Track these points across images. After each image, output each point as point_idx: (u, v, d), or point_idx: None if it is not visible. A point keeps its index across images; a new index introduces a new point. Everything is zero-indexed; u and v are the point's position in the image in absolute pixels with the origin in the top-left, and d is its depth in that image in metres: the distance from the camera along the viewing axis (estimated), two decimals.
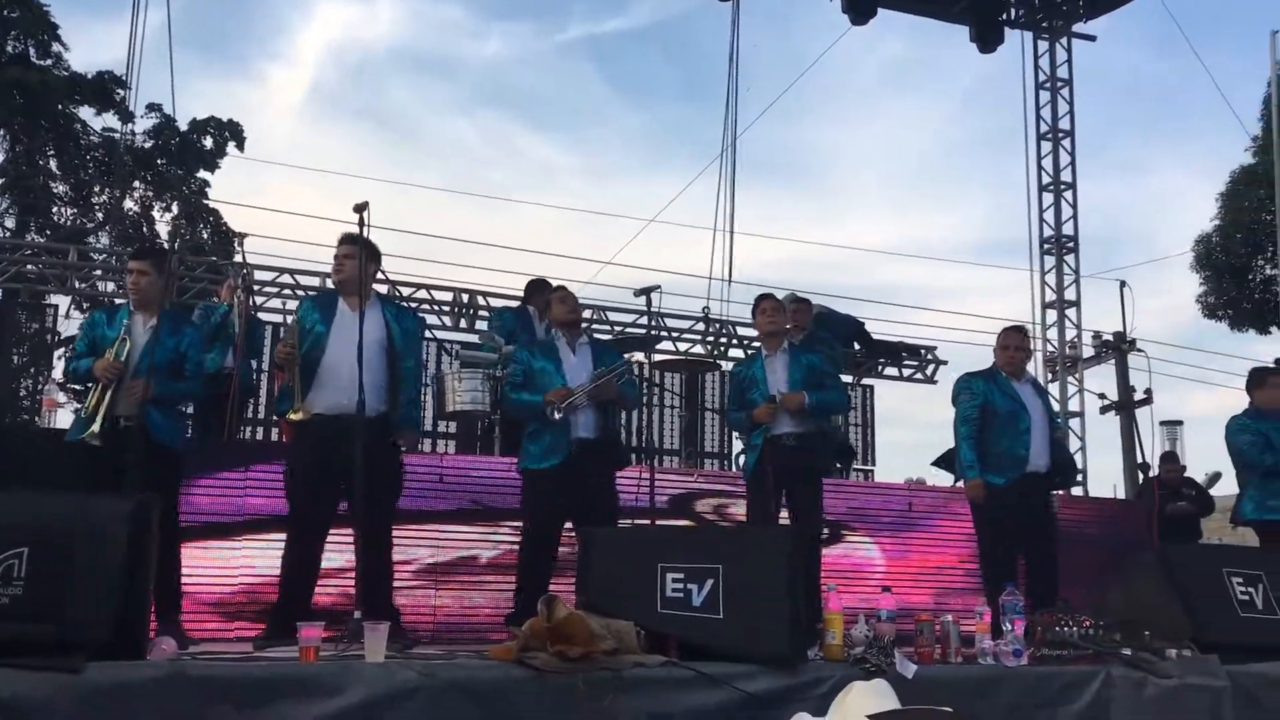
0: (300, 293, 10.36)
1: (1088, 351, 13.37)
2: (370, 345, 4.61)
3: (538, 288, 7.51)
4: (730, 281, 11.32)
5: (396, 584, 5.13)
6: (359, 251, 4.74)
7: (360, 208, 4.53)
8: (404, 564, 5.72)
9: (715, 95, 11.66)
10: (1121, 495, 12.91)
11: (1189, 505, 9.44)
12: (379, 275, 5.29)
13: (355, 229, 4.62)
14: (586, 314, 11.46)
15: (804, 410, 5.59)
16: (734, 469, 8.97)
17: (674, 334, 11.55)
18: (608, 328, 11.31)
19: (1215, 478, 12.76)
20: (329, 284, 9.92)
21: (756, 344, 11.24)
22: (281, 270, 10.43)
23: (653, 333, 10.09)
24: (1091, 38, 13.38)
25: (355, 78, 42.29)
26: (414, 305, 10.53)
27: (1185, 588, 4.50)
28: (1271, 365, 6.61)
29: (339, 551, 4.90)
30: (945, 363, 12.09)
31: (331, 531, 4.74)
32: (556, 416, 5.10)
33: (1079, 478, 12.31)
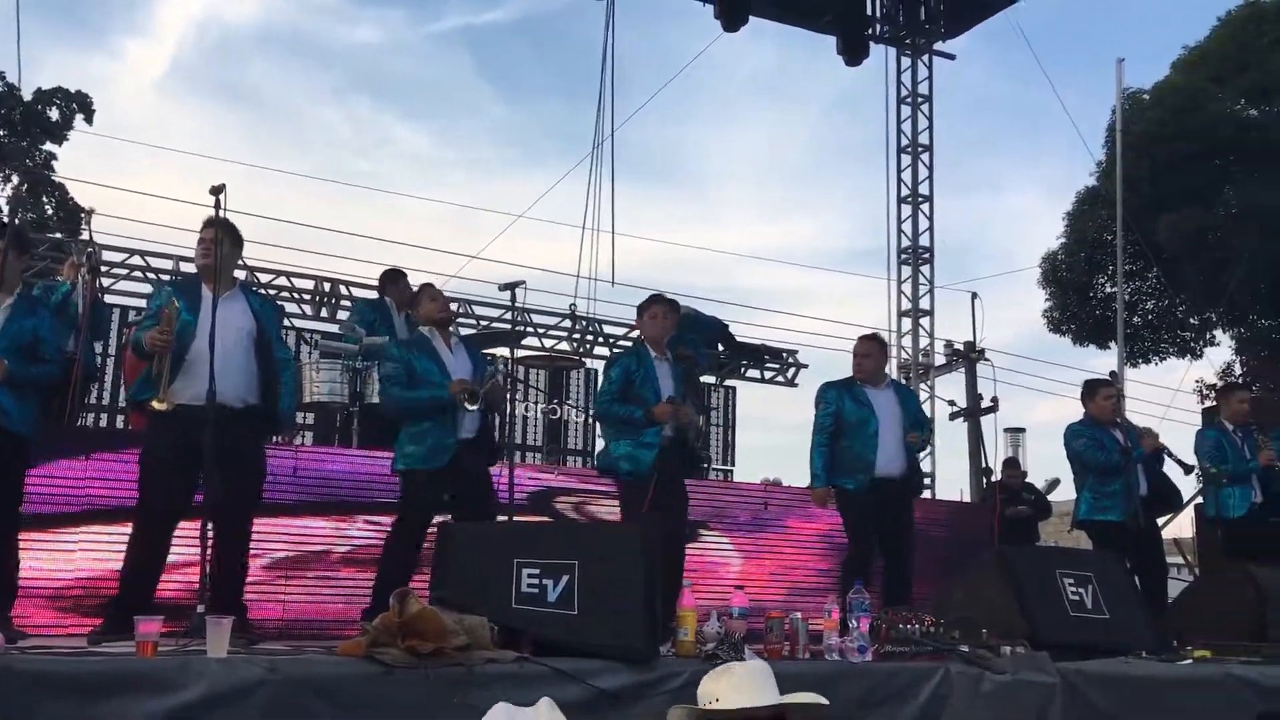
0: (151, 275, 9.99)
1: (940, 360, 13.87)
2: (238, 334, 4.49)
3: (392, 278, 7.39)
4: (601, 281, 11.34)
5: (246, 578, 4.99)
6: (219, 235, 4.58)
7: (217, 190, 4.39)
8: (253, 557, 5.53)
9: (589, 92, 11.73)
10: (968, 499, 13.41)
11: (1028, 509, 9.88)
12: (239, 261, 5.11)
13: (212, 212, 4.48)
14: (452, 308, 11.37)
15: (689, 423, 5.66)
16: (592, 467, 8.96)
17: (540, 330, 11.55)
18: (473, 322, 11.24)
19: (1054, 484, 13.37)
20: (183, 268, 9.67)
21: (624, 342, 11.45)
22: (131, 251, 10.04)
23: (518, 328, 10.07)
24: (951, 56, 13.88)
25: (219, 57, 40.92)
26: (273, 293, 10.27)
27: (1021, 588, 4.72)
28: (1105, 377, 6.97)
29: (184, 545, 4.73)
30: (806, 366, 12.41)
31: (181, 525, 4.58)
32: (471, 408, 5.03)
33: (926, 481, 12.77)
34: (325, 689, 3.19)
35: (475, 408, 5.06)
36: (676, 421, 5.50)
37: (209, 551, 4.26)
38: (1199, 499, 8.14)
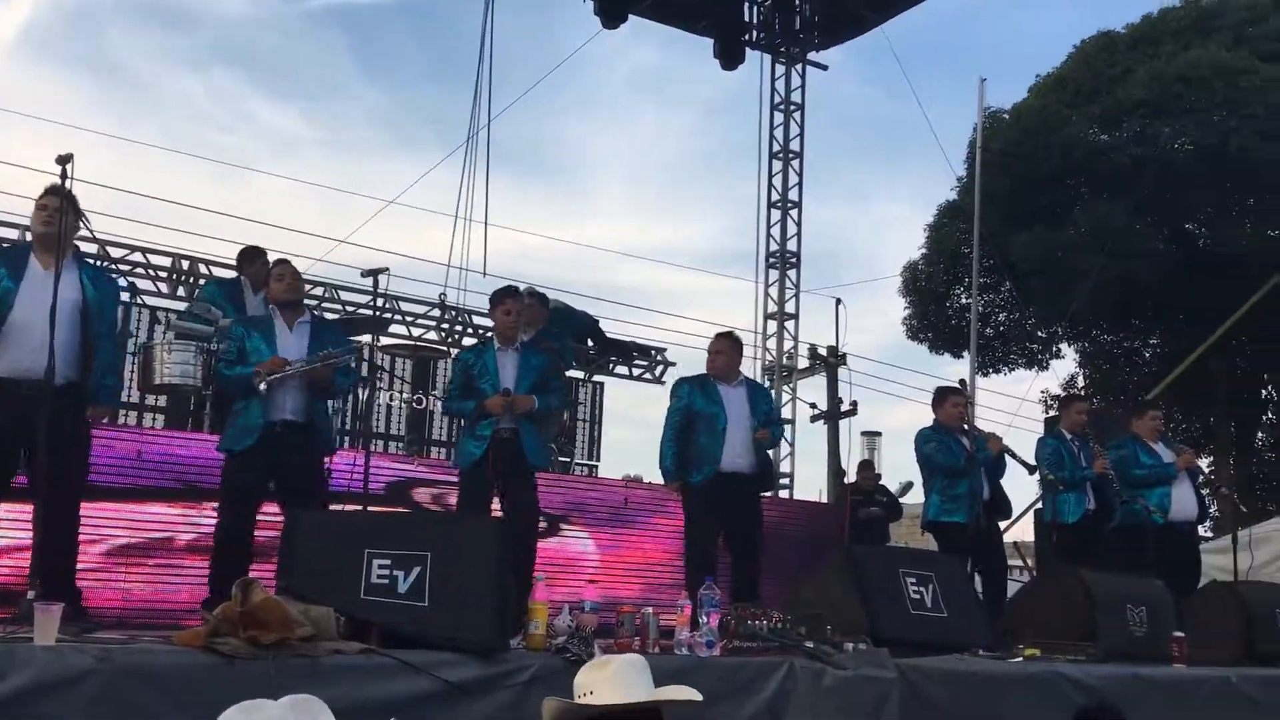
0: None
1: (803, 363, 14.17)
2: (63, 306, 4.28)
3: (250, 256, 7.18)
4: (473, 272, 11.23)
5: (83, 565, 4.81)
6: (63, 205, 4.40)
7: (63, 160, 4.19)
8: (92, 543, 5.34)
9: (465, 80, 11.58)
10: (825, 499, 13.76)
11: (880, 510, 10.20)
12: (85, 234, 4.91)
13: (58, 181, 4.28)
14: (317, 292, 11.14)
15: (530, 412, 5.65)
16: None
17: (408, 318, 11.37)
18: (339, 307, 11.01)
19: (908, 486, 13.80)
20: (27, 237, 9.22)
21: (492, 333, 11.34)
22: None
23: (383, 315, 9.90)
24: (824, 67, 14.17)
25: (75, 21, 39.07)
26: (127, 269, 9.87)
27: (865, 586, 4.88)
28: (955, 385, 7.24)
29: (14, 529, 4.53)
30: (674, 364, 12.50)
31: (6, 506, 4.37)
32: (262, 388, 4.90)
33: (783, 481, 13.06)
34: (159, 679, 3.10)
35: (262, 387, 4.90)
36: (513, 412, 5.50)
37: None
38: (1038, 504, 8.54)
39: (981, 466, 6.71)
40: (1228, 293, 15.29)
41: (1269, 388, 19.75)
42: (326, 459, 5.22)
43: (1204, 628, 5.87)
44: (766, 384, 13.67)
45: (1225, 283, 15.62)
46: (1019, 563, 11.11)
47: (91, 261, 5.94)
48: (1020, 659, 5.09)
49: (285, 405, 5.02)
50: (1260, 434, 20.03)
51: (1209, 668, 5.49)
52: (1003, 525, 7.42)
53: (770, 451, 6.31)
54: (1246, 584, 6.86)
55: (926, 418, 7.10)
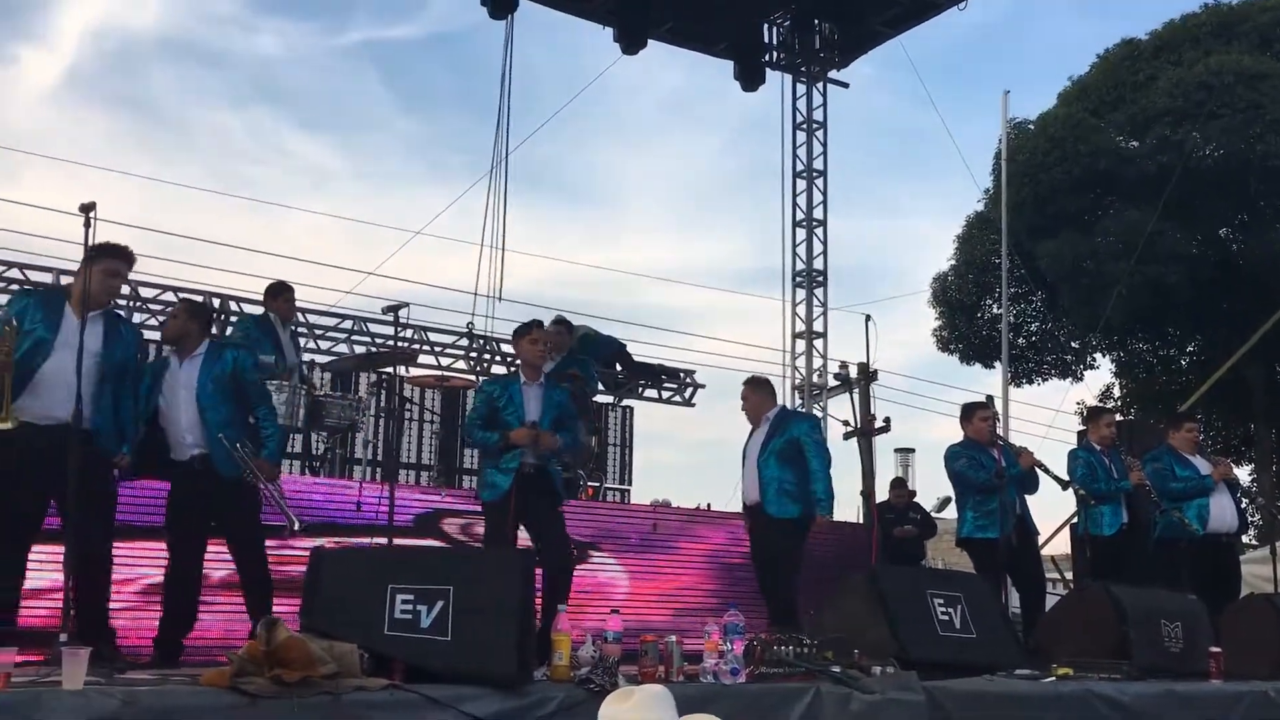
0: (29, 288, 9.69)
1: (833, 381, 14.11)
2: (91, 357, 4.42)
3: (275, 291, 7.28)
4: (495, 299, 11.31)
5: (117, 604, 4.88)
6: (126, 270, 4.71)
7: (87, 208, 4.29)
8: (126, 582, 5.42)
9: (492, 109, 11.65)
10: (860, 519, 13.65)
11: (915, 528, 10.13)
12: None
13: (81, 228, 4.37)
14: (346, 325, 11.26)
15: (555, 451, 5.72)
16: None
17: (435, 349, 11.45)
18: (367, 339, 11.11)
19: (945, 502, 13.70)
20: (64, 281, 9.38)
21: (516, 366, 11.40)
22: (9, 264, 9.70)
23: (412, 347, 9.97)
24: (845, 84, 14.17)
25: (116, 63, 39.83)
26: (159, 308, 10.01)
27: (891, 607, 4.84)
28: (983, 400, 7.20)
29: (48, 570, 4.61)
30: (704, 386, 12.51)
31: (43, 549, 4.46)
32: None
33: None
34: None
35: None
36: (537, 447, 5.54)
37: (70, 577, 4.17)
38: (1074, 519, 8.45)
39: (1014, 482, 6.67)
40: (1263, 299, 15.10)
41: None
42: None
43: (1243, 640, 5.78)
44: (798, 403, 13.65)
45: (1260, 289, 15.44)
46: (1057, 576, 10.98)
47: (118, 312, 6.04)
48: (1053, 678, 5.03)
49: (180, 440, 5.01)
50: None
51: (1247, 682, 5.40)
52: (1040, 539, 7.37)
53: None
54: None
55: (960, 433, 7.07)
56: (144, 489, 5.53)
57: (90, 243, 4.38)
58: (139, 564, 5.60)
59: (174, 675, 4.07)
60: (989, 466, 6.74)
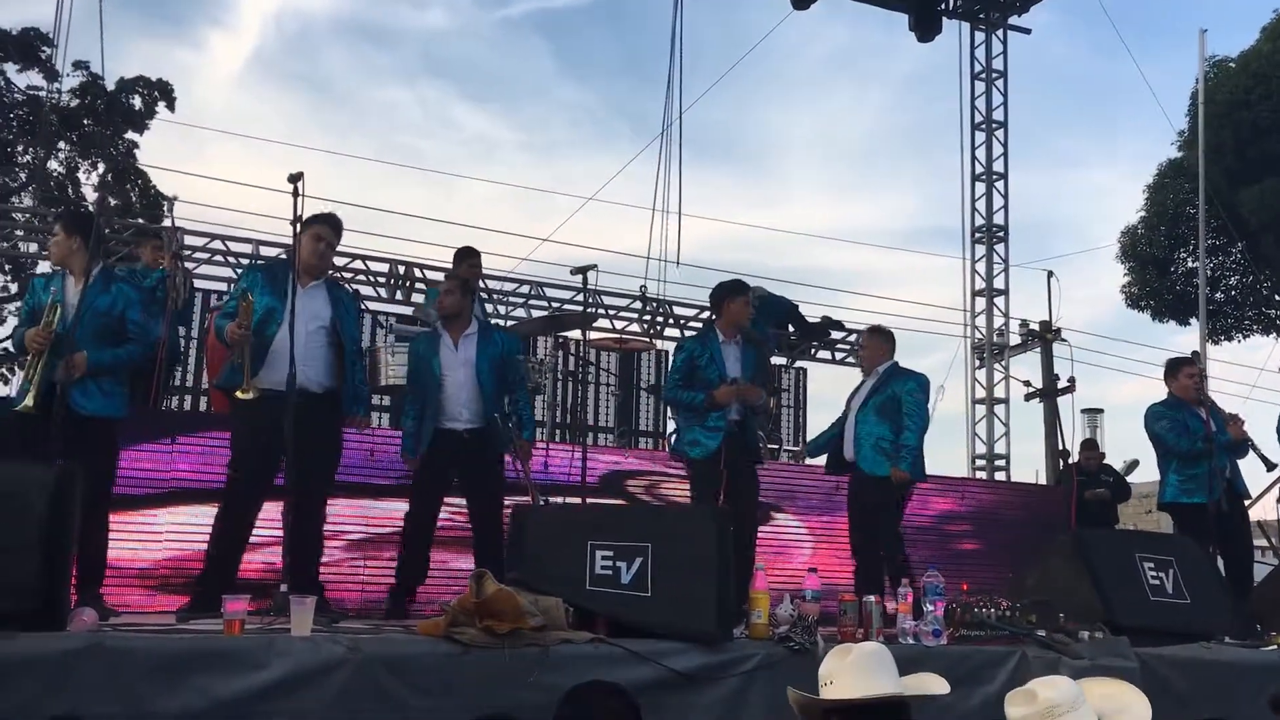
0: (231, 260, 10.21)
1: (1015, 339, 13.64)
2: (319, 323, 4.69)
3: (463, 256, 7.42)
4: (670, 263, 11.33)
5: (325, 558, 5.11)
6: (331, 234, 4.85)
7: (295, 178, 4.46)
8: (333, 537, 5.67)
9: (659, 74, 11.63)
10: (1043, 481, 13.20)
11: (1106, 491, 9.69)
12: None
13: (289, 198, 4.54)
14: (524, 290, 11.49)
15: (755, 404, 5.68)
16: (664, 449, 8.98)
17: (611, 312, 11.57)
18: (544, 304, 11.31)
19: (1133, 465, 13.12)
20: (263, 252, 9.87)
21: (695, 324, 11.45)
22: (212, 236, 10.26)
23: (589, 311, 10.10)
24: (1027, 30, 13.59)
25: (294, 45, 41.58)
26: (348, 275, 10.43)
27: (1098, 572, 4.64)
28: (1188, 356, 6.80)
29: (266, 526, 4.86)
30: None
31: (267, 505, 4.71)
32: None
33: (999, 463, 12.60)
34: (403, 668, 3.27)
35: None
36: (742, 402, 5.52)
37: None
38: None
39: (1222, 449, 6.29)
40: None
41: None
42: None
43: None
44: (976, 363, 13.25)
45: None
46: (1265, 543, 10.36)
47: (335, 277, 6.32)
48: (1274, 647, 4.75)
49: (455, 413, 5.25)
50: None
51: None
52: (1247, 503, 6.93)
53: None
54: None
55: (1153, 393, 6.68)
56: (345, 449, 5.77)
57: (299, 212, 4.54)
58: (342, 521, 5.86)
59: (387, 625, 4.24)
60: (1195, 429, 6.36)
